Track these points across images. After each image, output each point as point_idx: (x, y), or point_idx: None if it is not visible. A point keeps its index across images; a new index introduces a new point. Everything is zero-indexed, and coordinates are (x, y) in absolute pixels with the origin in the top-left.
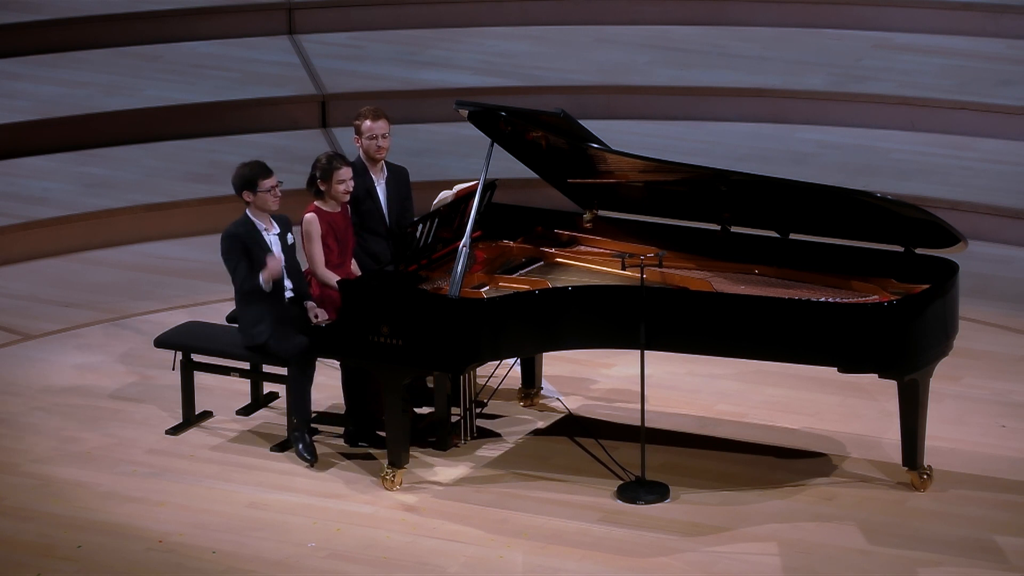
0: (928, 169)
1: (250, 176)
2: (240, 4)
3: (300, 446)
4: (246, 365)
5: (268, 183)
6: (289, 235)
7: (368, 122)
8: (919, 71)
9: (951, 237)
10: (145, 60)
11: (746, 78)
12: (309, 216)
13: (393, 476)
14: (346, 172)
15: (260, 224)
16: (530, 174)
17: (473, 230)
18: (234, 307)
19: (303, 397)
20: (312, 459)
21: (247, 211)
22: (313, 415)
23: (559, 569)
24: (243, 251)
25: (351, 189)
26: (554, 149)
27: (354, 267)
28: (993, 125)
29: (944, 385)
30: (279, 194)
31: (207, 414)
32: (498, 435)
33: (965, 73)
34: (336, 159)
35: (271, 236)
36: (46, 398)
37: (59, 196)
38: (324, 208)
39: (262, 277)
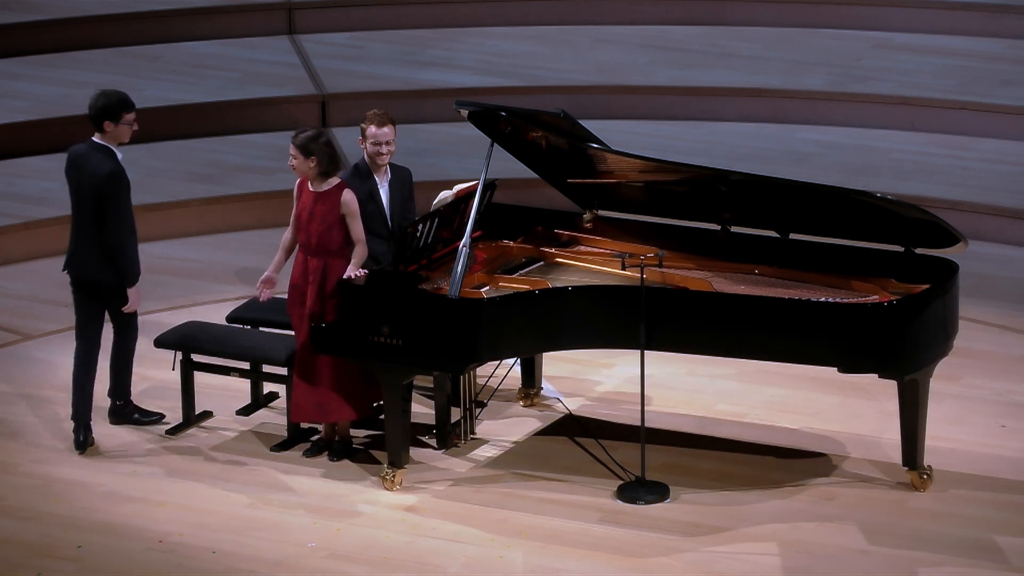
0: (928, 169)
1: (116, 107)
2: (240, 4)
3: (82, 437)
4: (246, 365)
5: (131, 116)
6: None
7: (373, 127)
8: (919, 71)
9: (951, 237)
10: (145, 60)
11: (746, 78)
12: (348, 195)
13: (393, 476)
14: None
15: (118, 155)
16: (530, 174)
17: (473, 230)
18: (234, 307)
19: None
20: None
21: (98, 139)
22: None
23: (559, 569)
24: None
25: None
26: (554, 149)
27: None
28: (993, 125)
29: (944, 385)
30: (136, 128)
31: (207, 414)
32: (498, 435)
33: (965, 73)
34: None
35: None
36: (46, 398)
37: (59, 196)
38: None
39: (130, 302)
